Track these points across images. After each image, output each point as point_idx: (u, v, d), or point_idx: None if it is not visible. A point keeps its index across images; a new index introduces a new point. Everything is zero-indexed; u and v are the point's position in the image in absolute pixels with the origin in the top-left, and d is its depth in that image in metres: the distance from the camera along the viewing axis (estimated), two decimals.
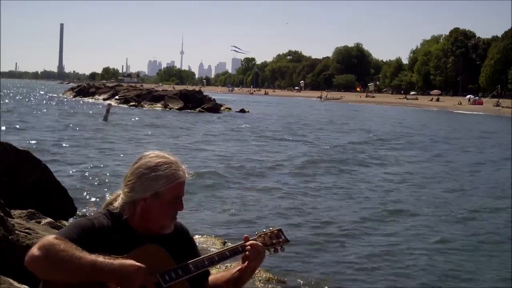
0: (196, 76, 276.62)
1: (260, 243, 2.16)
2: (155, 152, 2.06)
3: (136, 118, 30.84)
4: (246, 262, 2.13)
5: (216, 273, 2.24)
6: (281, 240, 2.28)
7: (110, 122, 27.65)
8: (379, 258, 6.93)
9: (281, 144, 20.73)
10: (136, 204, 1.98)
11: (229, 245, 3.11)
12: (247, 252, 2.12)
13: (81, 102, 50.12)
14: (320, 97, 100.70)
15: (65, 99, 56.15)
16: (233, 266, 2.27)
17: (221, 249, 2.15)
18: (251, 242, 2.15)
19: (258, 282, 5.62)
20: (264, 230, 2.30)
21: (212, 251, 2.18)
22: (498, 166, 17.00)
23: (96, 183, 10.63)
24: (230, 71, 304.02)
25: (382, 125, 35.92)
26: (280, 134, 25.42)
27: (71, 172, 11.76)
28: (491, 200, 11.05)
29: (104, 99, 48.74)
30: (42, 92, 76.41)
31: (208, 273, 2.17)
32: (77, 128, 23.23)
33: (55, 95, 66.77)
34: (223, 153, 17.00)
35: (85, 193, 9.55)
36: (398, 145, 22.55)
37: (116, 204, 2.02)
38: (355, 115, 49.99)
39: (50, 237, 1.77)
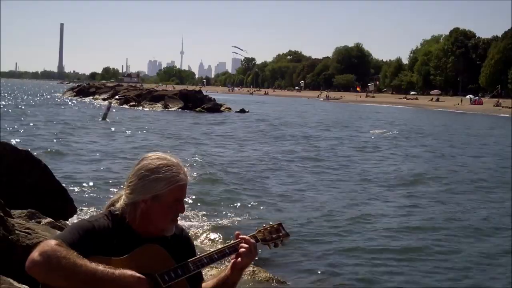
0: (196, 76, 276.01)
1: (252, 240, 2.13)
2: (156, 154, 2.04)
3: (136, 120, 30.83)
4: (239, 259, 2.09)
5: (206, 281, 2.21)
6: (281, 234, 2.25)
7: (109, 121, 27.73)
8: (381, 258, 6.92)
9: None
10: (136, 206, 1.97)
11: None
12: (241, 249, 2.09)
13: (81, 102, 50.10)
14: (319, 97, 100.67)
15: (65, 99, 56.13)
16: (221, 270, 2.24)
17: (221, 247, 2.13)
18: (242, 237, 2.13)
19: (258, 282, 5.61)
20: (264, 225, 2.28)
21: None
22: None
23: (95, 183, 10.62)
24: (230, 71, 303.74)
25: (432, 127, 35.00)
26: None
27: (71, 172, 11.76)
28: None
29: (104, 99, 48.72)
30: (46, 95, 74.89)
31: (202, 279, 2.16)
32: (76, 128, 23.23)
33: (60, 95, 66.41)
34: None
35: (85, 193, 9.55)
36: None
37: (118, 205, 2.00)
38: (381, 116, 48.33)
39: (51, 242, 1.76)
